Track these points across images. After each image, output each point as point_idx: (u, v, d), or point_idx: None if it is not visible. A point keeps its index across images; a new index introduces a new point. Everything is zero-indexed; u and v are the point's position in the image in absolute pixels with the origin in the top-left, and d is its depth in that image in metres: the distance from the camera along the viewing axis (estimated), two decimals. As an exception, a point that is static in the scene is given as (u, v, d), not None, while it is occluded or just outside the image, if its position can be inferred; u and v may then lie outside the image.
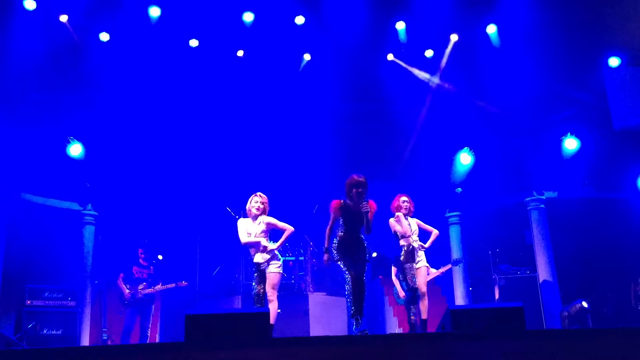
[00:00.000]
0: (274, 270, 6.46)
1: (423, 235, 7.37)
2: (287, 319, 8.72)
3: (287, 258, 9.67)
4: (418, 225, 7.30)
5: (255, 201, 6.61)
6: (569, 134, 9.74)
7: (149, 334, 8.83)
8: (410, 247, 7.07)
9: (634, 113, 8.51)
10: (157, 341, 9.37)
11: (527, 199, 10.17)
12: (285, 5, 8.96)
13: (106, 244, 9.96)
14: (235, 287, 10.06)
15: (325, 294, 9.94)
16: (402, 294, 7.28)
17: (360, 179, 6.26)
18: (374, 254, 10.41)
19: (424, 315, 6.99)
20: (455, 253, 10.28)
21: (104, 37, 9.04)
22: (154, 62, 9.28)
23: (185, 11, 8.90)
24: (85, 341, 9.08)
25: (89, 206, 9.78)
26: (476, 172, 10.24)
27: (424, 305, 7.01)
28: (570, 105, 9.75)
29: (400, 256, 7.09)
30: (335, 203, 6.29)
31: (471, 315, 4.80)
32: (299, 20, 9.17)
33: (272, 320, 5.84)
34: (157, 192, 10.02)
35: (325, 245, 6.33)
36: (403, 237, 7.11)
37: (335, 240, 6.29)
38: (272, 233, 6.67)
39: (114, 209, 9.93)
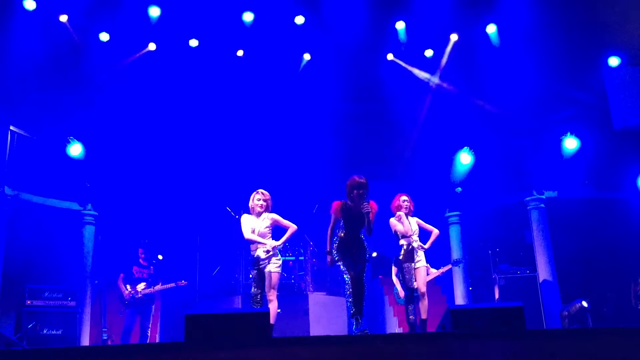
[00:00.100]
0: (274, 269, 6.45)
1: (423, 234, 7.36)
2: (287, 318, 8.72)
3: (287, 258, 9.67)
4: (418, 225, 7.30)
5: (258, 199, 6.62)
6: (568, 133, 9.73)
7: (149, 334, 8.82)
8: (410, 246, 7.07)
9: (634, 113, 8.50)
10: (157, 341, 9.36)
11: (527, 198, 10.16)
12: (285, 5, 8.96)
13: (106, 244, 9.96)
14: (235, 287, 10.05)
15: (325, 293, 9.94)
16: (402, 293, 7.28)
17: (361, 180, 6.25)
18: (374, 254, 10.41)
19: (423, 315, 6.98)
20: (455, 253, 10.28)
21: (104, 37, 9.05)
22: (154, 62, 9.30)
23: (185, 11, 8.91)
24: (85, 341, 9.08)
25: (89, 206, 9.78)
26: (476, 172, 10.24)
27: (423, 305, 7.00)
28: (570, 105, 9.75)
29: (399, 255, 7.10)
30: (336, 204, 6.28)
31: (471, 315, 4.81)
32: (299, 20, 9.18)
33: (272, 320, 5.84)
34: (157, 192, 10.03)
35: (328, 247, 6.32)
36: (404, 236, 7.11)
37: (335, 240, 6.29)
38: (274, 231, 6.68)
39: (114, 209, 9.92)
